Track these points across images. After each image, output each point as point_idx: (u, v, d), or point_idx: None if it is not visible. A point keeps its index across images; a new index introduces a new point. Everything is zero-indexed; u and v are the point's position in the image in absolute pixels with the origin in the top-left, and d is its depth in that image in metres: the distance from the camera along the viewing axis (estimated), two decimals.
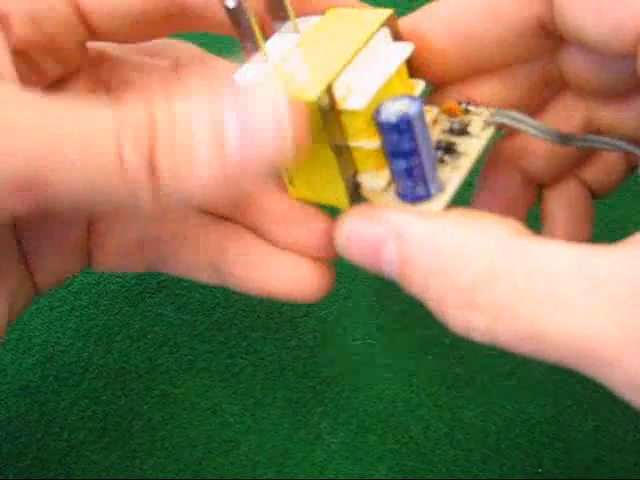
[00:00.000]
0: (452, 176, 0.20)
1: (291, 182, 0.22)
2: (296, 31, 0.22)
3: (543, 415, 0.30)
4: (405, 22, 0.22)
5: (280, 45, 0.21)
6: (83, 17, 0.22)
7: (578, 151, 0.24)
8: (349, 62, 0.20)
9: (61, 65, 0.23)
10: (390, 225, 0.19)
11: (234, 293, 0.34)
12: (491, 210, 0.24)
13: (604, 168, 0.25)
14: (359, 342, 0.32)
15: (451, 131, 0.21)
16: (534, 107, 0.24)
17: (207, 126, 0.18)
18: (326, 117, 0.19)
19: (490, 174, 0.25)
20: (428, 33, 0.22)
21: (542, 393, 0.31)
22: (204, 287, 0.34)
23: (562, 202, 0.25)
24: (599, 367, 0.16)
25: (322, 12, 0.22)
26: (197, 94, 0.18)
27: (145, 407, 0.31)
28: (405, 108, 0.18)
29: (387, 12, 0.21)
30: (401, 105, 0.18)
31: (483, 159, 0.23)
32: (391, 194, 0.20)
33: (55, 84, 0.23)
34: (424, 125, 0.18)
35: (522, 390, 0.31)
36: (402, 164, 0.19)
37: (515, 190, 0.25)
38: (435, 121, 0.22)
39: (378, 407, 0.31)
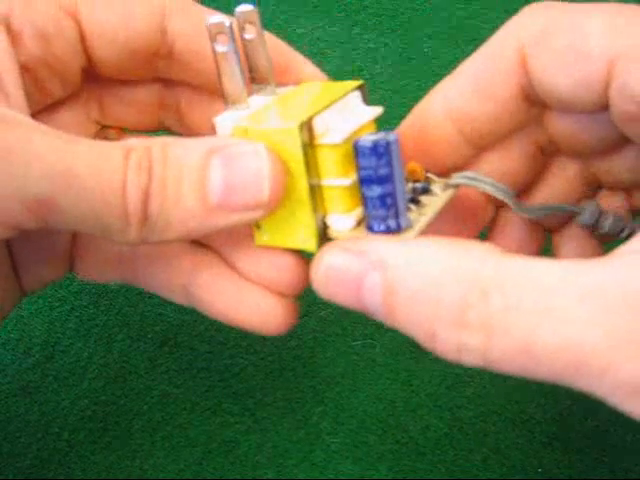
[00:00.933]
0: (419, 218, 0.21)
1: (258, 226, 0.22)
2: (273, 95, 0.23)
3: (543, 415, 0.30)
4: (407, 118, 0.24)
5: (259, 100, 0.23)
6: (84, 40, 0.23)
7: (578, 195, 0.25)
8: (325, 108, 0.21)
9: (63, 86, 0.24)
10: (372, 255, 0.19)
11: None
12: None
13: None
14: (359, 342, 0.32)
15: (414, 191, 0.22)
16: (533, 175, 0.24)
17: (194, 174, 0.20)
18: (305, 147, 0.20)
19: (500, 219, 0.26)
20: (429, 120, 0.23)
21: (542, 393, 0.31)
22: None
23: (572, 245, 0.26)
24: (591, 376, 0.16)
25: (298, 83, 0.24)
26: (189, 140, 0.20)
27: (145, 407, 0.31)
28: (384, 135, 0.19)
29: (357, 82, 0.22)
30: (379, 135, 0.19)
31: None
32: (361, 232, 0.21)
33: (55, 104, 0.25)
34: (399, 156, 0.19)
35: (522, 390, 0.31)
36: (377, 191, 0.19)
37: (524, 235, 0.25)
38: (408, 172, 0.23)
39: (378, 407, 0.31)
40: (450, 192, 0.22)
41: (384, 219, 0.20)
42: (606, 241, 0.26)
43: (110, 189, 0.19)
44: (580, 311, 0.16)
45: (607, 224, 0.23)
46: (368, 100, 0.23)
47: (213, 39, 0.21)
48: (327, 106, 0.21)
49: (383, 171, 0.19)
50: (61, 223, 0.19)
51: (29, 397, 0.31)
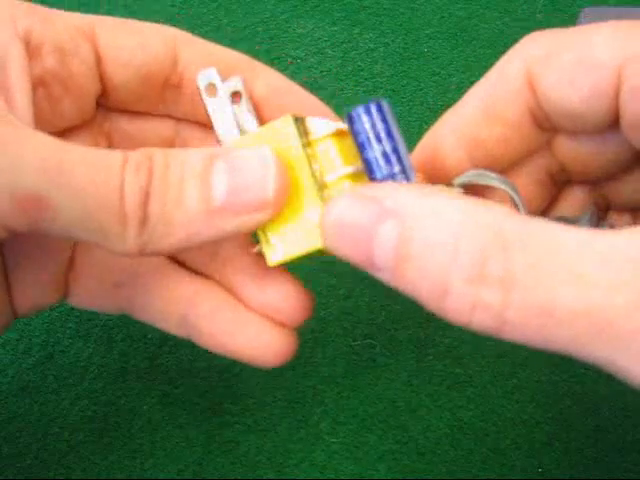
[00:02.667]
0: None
1: (267, 241, 0.22)
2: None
3: (543, 415, 0.30)
4: (419, 145, 0.24)
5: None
6: (100, 62, 0.23)
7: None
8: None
9: (76, 110, 0.24)
10: (388, 202, 0.17)
11: None
12: None
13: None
14: (359, 342, 0.32)
15: None
16: (543, 202, 0.24)
17: (197, 176, 0.19)
18: (301, 134, 0.20)
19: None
20: (440, 145, 0.23)
21: (542, 393, 0.31)
22: None
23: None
24: (613, 342, 0.15)
25: None
26: (192, 149, 0.20)
27: (145, 407, 0.31)
28: (376, 100, 0.19)
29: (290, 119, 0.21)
30: (369, 102, 0.19)
31: None
32: None
33: (67, 131, 0.24)
34: (394, 119, 0.19)
35: (522, 390, 0.31)
36: (378, 148, 0.19)
37: (533, 190, 0.25)
38: None
39: (378, 407, 0.31)
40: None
41: (392, 177, 0.19)
42: None
43: (106, 188, 0.18)
44: (604, 275, 0.15)
45: None
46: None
47: (205, 90, 0.22)
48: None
49: (380, 127, 0.19)
50: (54, 225, 0.19)
51: (29, 397, 0.31)
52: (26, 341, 0.33)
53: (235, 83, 0.23)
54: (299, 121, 0.21)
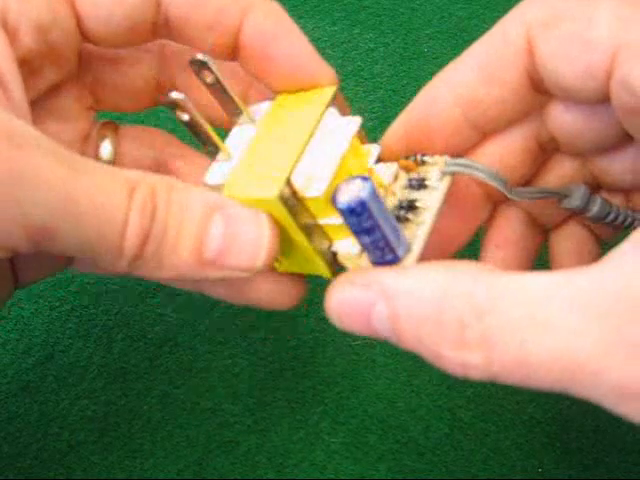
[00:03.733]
0: (418, 232, 0.21)
1: (276, 260, 0.23)
2: (251, 120, 0.23)
3: (543, 415, 0.30)
4: (411, 105, 0.24)
5: (239, 138, 0.23)
6: (81, 23, 0.23)
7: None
8: (302, 151, 0.21)
9: (58, 70, 0.24)
10: (375, 287, 0.19)
11: None
12: (499, 252, 0.25)
13: None
14: (359, 342, 0.32)
15: (410, 186, 0.23)
16: (530, 171, 0.25)
17: (195, 227, 0.20)
18: (290, 205, 0.21)
19: (499, 218, 0.26)
20: (435, 105, 0.23)
21: (542, 393, 0.31)
22: None
23: (568, 245, 0.26)
24: (584, 383, 0.16)
25: (278, 84, 0.24)
26: (195, 190, 0.21)
27: (145, 407, 0.31)
28: (358, 191, 0.19)
29: (330, 91, 0.23)
30: (355, 187, 0.20)
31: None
32: (365, 259, 0.21)
33: (49, 91, 0.24)
34: (378, 201, 0.20)
35: (522, 390, 0.31)
36: (366, 239, 0.20)
37: (522, 232, 0.26)
38: (396, 177, 0.23)
39: (378, 407, 0.31)
40: (446, 181, 0.22)
41: (381, 257, 0.20)
42: (604, 239, 0.26)
43: (110, 226, 0.19)
44: (568, 321, 0.16)
45: (595, 207, 0.23)
46: (345, 106, 0.23)
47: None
48: (304, 145, 0.21)
49: (366, 224, 0.20)
50: (55, 249, 0.19)
51: (29, 397, 0.31)
52: (26, 341, 0.33)
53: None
54: (285, 184, 0.21)
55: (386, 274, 0.20)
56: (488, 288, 0.18)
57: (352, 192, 0.19)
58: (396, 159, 0.23)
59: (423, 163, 0.23)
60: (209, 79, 0.23)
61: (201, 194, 0.21)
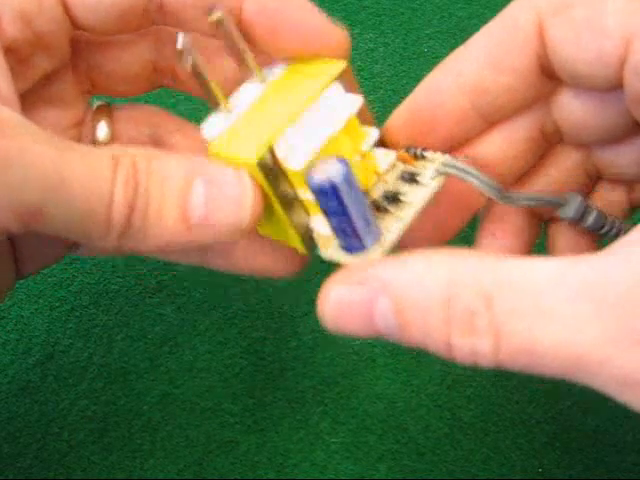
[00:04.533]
0: (393, 227, 0.21)
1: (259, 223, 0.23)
2: (262, 81, 0.23)
3: (543, 415, 0.30)
4: (417, 90, 0.24)
5: (245, 95, 0.23)
6: (68, 10, 0.23)
7: (578, 186, 0.25)
8: (294, 121, 0.21)
9: (50, 59, 0.23)
10: (374, 282, 0.19)
11: (234, 293, 0.34)
12: (496, 242, 0.25)
13: (604, 206, 0.25)
14: (359, 342, 0.32)
15: (402, 178, 0.22)
16: (533, 161, 0.24)
17: (177, 193, 0.20)
18: (270, 173, 0.20)
19: (496, 206, 0.26)
20: (441, 92, 0.23)
21: (542, 393, 0.31)
22: (204, 287, 0.34)
23: (566, 236, 0.26)
24: (589, 371, 0.17)
25: (288, 56, 0.23)
26: (174, 158, 0.21)
27: (145, 407, 0.31)
28: (331, 173, 0.19)
29: (340, 66, 0.22)
30: (330, 168, 0.19)
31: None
32: (335, 242, 0.21)
33: (44, 80, 0.24)
34: (351, 187, 0.19)
35: (522, 390, 0.31)
36: (333, 221, 0.20)
37: (520, 223, 0.25)
38: (393, 166, 0.23)
39: (378, 407, 0.31)
40: (439, 181, 0.22)
41: (347, 242, 0.20)
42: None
43: (98, 200, 0.19)
44: (573, 310, 0.16)
45: (590, 219, 0.23)
46: (354, 85, 0.23)
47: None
48: (298, 115, 0.21)
49: (335, 208, 0.19)
50: (45, 229, 0.20)
51: (29, 397, 0.31)
52: (26, 341, 0.33)
53: (217, 14, 0.22)
54: (267, 149, 0.20)
55: (383, 267, 0.19)
56: (494, 274, 0.18)
57: (326, 172, 0.19)
58: (398, 146, 0.23)
59: (422, 157, 0.23)
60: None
61: (180, 160, 0.21)
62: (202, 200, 0.20)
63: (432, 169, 0.22)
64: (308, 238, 0.22)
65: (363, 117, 0.22)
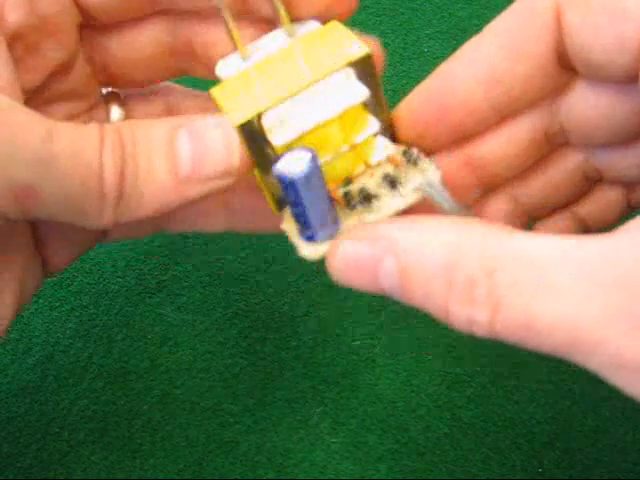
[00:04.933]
0: (352, 227, 0.21)
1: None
2: (290, 34, 0.22)
3: (543, 415, 0.30)
4: (430, 77, 0.23)
5: (269, 44, 0.22)
6: None
7: (576, 187, 0.25)
8: (293, 95, 0.20)
9: (59, 48, 0.23)
10: (384, 241, 0.19)
11: (234, 293, 0.34)
12: None
13: (601, 206, 0.25)
14: (359, 342, 0.32)
15: (385, 180, 0.22)
16: (532, 162, 0.24)
17: (163, 149, 0.20)
18: (251, 136, 0.20)
19: (486, 203, 0.25)
20: (455, 82, 0.22)
21: (542, 393, 0.31)
22: (204, 287, 0.34)
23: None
24: (585, 351, 0.16)
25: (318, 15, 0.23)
26: (155, 121, 0.21)
27: (145, 407, 0.31)
28: (295, 168, 0.19)
29: (361, 52, 0.21)
30: (296, 162, 0.19)
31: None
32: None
33: (57, 73, 0.24)
34: (311, 187, 0.19)
35: (522, 390, 0.31)
36: (291, 209, 0.20)
37: (506, 220, 0.25)
38: (389, 160, 0.22)
39: (378, 407, 0.31)
40: (416, 196, 0.22)
41: (301, 229, 0.21)
42: (593, 231, 0.26)
43: (88, 172, 0.19)
44: (576, 287, 0.16)
45: None
46: (374, 74, 0.22)
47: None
48: (301, 89, 0.20)
49: (291, 198, 0.20)
50: (41, 212, 0.20)
51: (29, 397, 0.31)
52: (26, 341, 0.33)
53: None
54: (252, 118, 0.20)
55: (393, 227, 0.19)
56: (499, 246, 0.18)
57: (290, 165, 0.19)
58: (407, 133, 0.23)
59: (415, 164, 0.22)
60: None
61: (163, 121, 0.21)
62: (188, 152, 0.20)
63: (415, 183, 0.22)
64: (279, 202, 0.22)
65: (375, 106, 0.22)
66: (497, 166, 0.24)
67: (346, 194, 0.22)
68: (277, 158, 0.19)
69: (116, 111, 0.25)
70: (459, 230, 0.18)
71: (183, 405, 0.31)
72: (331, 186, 0.22)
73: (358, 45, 0.21)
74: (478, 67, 0.22)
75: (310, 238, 0.21)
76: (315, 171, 0.19)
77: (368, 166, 0.22)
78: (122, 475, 0.30)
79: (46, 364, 0.32)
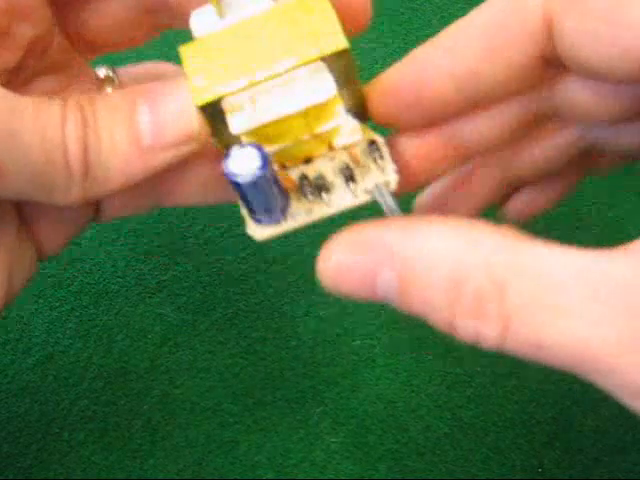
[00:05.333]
0: (299, 217, 0.21)
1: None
2: None
3: (543, 415, 0.30)
4: (405, 61, 0.23)
5: (249, 5, 0.21)
6: None
7: (569, 161, 0.24)
8: (260, 82, 0.20)
9: (31, 28, 0.22)
10: (380, 251, 0.18)
11: (234, 293, 0.34)
12: (459, 205, 0.25)
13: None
14: (359, 342, 0.32)
15: (343, 170, 0.21)
16: (517, 140, 0.23)
17: (124, 121, 0.20)
18: (212, 117, 0.20)
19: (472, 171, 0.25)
20: (427, 72, 0.22)
21: (542, 393, 0.31)
22: (204, 287, 0.34)
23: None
24: (598, 374, 0.16)
25: None
26: (114, 92, 0.21)
27: (145, 407, 0.31)
28: (242, 171, 0.19)
29: (336, 45, 0.20)
30: (244, 163, 0.19)
31: None
32: None
33: (33, 52, 0.23)
34: (258, 188, 0.19)
35: (522, 390, 0.31)
36: (243, 205, 0.20)
37: (493, 189, 0.25)
38: (351, 154, 0.21)
39: (378, 407, 0.31)
40: (365, 198, 0.21)
41: (247, 211, 0.21)
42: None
43: (52, 147, 0.19)
44: (590, 310, 0.16)
45: None
46: (351, 68, 0.21)
47: None
48: (273, 76, 0.19)
49: (238, 193, 0.20)
50: (7, 190, 0.20)
51: (29, 397, 0.31)
52: (26, 341, 0.33)
53: None
54: (216, 107, 0.20)
55: (392, 234, 0.18)
56: (511, 259, 0.17)
57: (239, 165, 0.19)
58: (377, 116, 0.22)
59: (375, 161, 0.21)
60: None
61: (122, 92, 0.21)
62: (148, 121, 0.20)
63: (368, 185, 0.21)
64: None
65: (346, 86, 0.21)
66: (480, 145, 0.23)
67: (301, 178, 0.21)
68: (228, 152, 0.19)
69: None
70: (465, 239, 0.18)
71: (183, 405, 0.31)
72: (290, 164, 0.21)
73: (338, 37, 0.20)
74: (455, 62, 0.21)
75: (258, 221, 0.21)
76: (264, 177, 0.19)
77: (331, 148, 0.21)
78: (122, 475, 0.30)
79: (46, 364, 0.32)
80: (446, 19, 0.43)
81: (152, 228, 0.35)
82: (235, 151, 0.19)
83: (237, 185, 0.19)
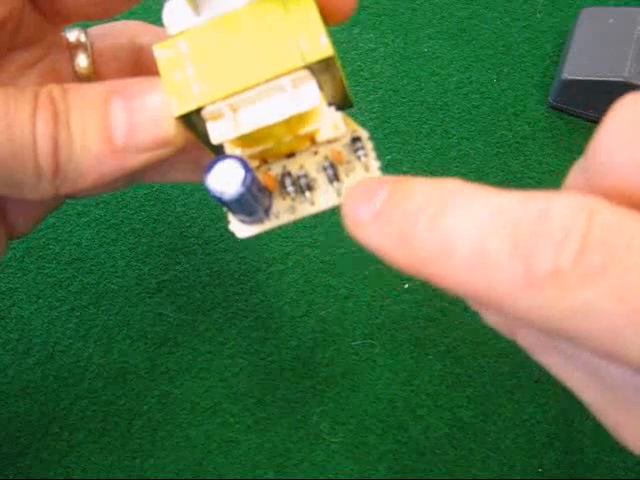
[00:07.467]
0: (283, 216, 0.20)
1: None
2: None
3: (543, 415, 0.30)
4: None
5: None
6: None
7: None
8: (240, 92, 0.19)
9: (1, 5, 0.22)
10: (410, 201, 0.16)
11: (234, 293, 0.34)
12: None
13: None
14: (359, 342, 0.32)
15: (326, 168, 0.20)
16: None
17: (97, 119, 0.20)
18: (189, 124, 0.20)
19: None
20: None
21: (542, 393, 0.31)
22: (204, 287, 0.34)
23: None
24: None
25: None
26: (87, 86, 0.20)
27: (145, 407, 0.31)
28: (224, 189, 0.18)
29: (321, 53, 0.19)
30: (226, 178, 0.18)
31: None
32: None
33: (4, 29, 0.22)
34: (241, 203, 0.19)
35: (522, 390, 0.31)
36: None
37: None
38: (333, 153, 0.21)
39: (378, 407, 0.31)
40: (333, 202, 0.20)
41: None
42: None
43: (21, 142, 0.19)
44: None
45: None
46: (335, 72, 0.20)
47: None
48: (254, 84, 0.18)
49: (220, 205, 0.19)
50: None
51: (29, 397, 0.31)
52: (26, 341, 0.33)
53: None
54: (194, 116, 0.20)
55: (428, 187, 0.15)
56: (613, 218, 0.14)
57: (221, 181, 0.18)
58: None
59: (359, 159, 0.20)
60: None
61: (96, 86, 0.20)
62: (122, 121, 0.20)
63: (350, 183, 0.20)
64: None
65: (329, 81, 0.20)
66: None
67: (283, 175, 0.21)
68: (209, 165, 0.18)
69: (83, 59, 0.24)
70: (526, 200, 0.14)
71: (183, 405, 0.31)
72: (271, 159, 0.21)
73: (322, 42, 0.19)
74: None
75: (241, 220, 0.20)
76: (246, 192, 0.18)
77: (314, 142, 0.20)
78: (122, 475, 0.30)
79: (46, 364, 0.32)
80: (446, 19, 0.43)
81: (152, 228, 0.35)
82: (216, 166, 0.18)
83: (219, 200, 0.18)
